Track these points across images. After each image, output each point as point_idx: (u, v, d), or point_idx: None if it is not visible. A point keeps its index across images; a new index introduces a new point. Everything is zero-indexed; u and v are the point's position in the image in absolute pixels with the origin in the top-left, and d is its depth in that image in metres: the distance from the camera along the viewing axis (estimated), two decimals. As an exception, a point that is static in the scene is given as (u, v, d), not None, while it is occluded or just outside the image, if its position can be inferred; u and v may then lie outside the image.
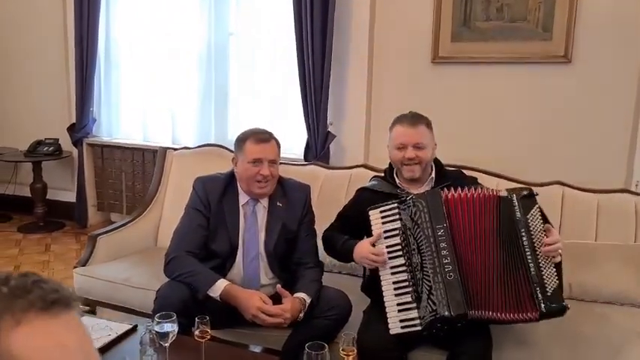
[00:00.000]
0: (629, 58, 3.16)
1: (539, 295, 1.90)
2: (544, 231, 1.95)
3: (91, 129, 4.46)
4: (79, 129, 4.41)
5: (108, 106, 4.48)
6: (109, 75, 4.43)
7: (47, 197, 4.60)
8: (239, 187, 2.22)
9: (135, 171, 4.37)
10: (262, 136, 2.16)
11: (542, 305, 1.90)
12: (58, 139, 4.53)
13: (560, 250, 1.94)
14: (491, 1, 3.38)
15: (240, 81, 4.09)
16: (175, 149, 3.28)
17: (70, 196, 4.63)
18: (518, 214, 1.96)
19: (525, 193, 2.00)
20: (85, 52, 4.25)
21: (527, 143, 3.38)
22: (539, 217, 1.97)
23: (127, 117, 4.45)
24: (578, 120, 3.29)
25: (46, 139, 4.53)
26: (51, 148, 4.50)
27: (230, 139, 4.02)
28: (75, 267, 2.76)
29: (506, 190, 2.03)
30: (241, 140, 2.17)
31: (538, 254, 1.93)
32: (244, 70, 4.07)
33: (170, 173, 3.17)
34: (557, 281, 1.93)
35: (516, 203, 1.97)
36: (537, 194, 2.02)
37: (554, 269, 1.94)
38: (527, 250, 1.93)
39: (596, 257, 2.36)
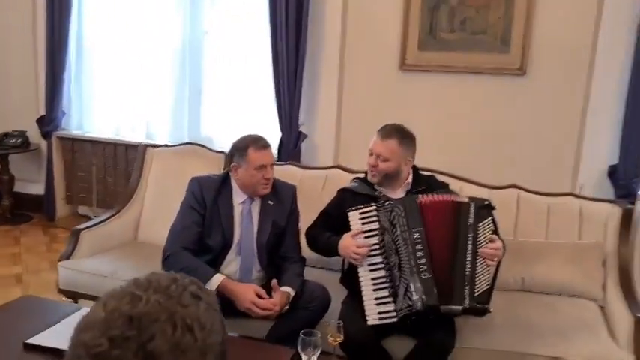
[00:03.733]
0: (577, 71, 3.48)
1: (467, 293, 2.15)
2: (490, 240, 2.20)
3: (61, 122, 4.48)
4: (49, 122, 4.42)
5: (79, 100, 4.50)
6: (80, 68, 4.45)
7: (14, 190, 4.59)
8: (233, 186, 2.39)
9: (106, 165, 4.42)
10: (262, 143, 2.34)
11: (467, 301, 2.15)
12: (25, 132, 4.51)
13: (496, 258, 2.19)
14: (455, 13, 3.64)
15: (214, 79, 4.20)
16: (155, 146, 3.38)
17: (38, 189, 4.64)
18: (470, 220, 2.21)
19: (485, 204, 2.25)
20: (57, 44, 4.25)
21: (485, 148, 3.67)
22: (490, 228, 2.23)
23: (98, 111, 4.48)
24: (531, 127, 3.60)
25: (13, 131, 4.50)
26: (18, 141, 4.49)
27: (203, 135, 4.16)
28: (60, 260, 2.85)
29: (469, 198, 2.28)
30: (242, 149, 2.33)
31: (477, 258, 2.19)
32: (218, 69, 4.18)
33: (150, 170, 3.28)
34: (488, 287, 2.19)
35: (472, 210, 2.22)
36: (495, 208, 2.27)
37: (488, 275, 2.20)
38: (469, 252, 2.18)
39: (546, 254, 2.66)
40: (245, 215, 2.39)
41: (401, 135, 2.37)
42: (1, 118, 4.58)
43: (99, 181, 4.46)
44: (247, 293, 2.19)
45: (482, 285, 2.19)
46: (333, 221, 2.42)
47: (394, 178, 2.38)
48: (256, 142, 2.34)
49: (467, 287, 2.15)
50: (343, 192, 2.49)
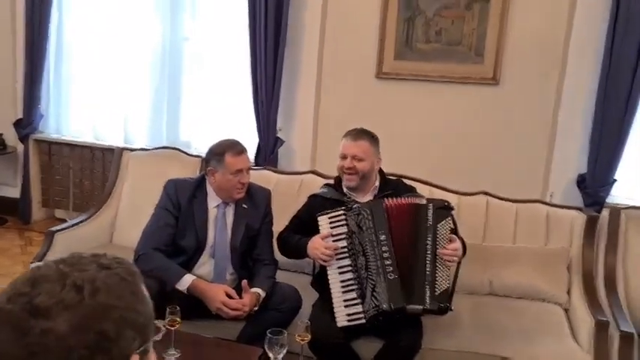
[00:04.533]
0: (548, 81, 3.57)
1: (427, 293, 2.20)
2: (449, 240, 2.26)
3: (39, 125, 4.46)
4: (26, 125, 4.40)
5: (57, 103, 4.49)
6: (59, 71, 4.44)
7: (-10, 192, 4.56)
8: (209, 190, 2.41)
9: (83, 168, 4.41)
10: (239, 148, 2.37)
11: (428, 301, 2.20)
12: (1, 134, 4.49)
13: (455, 258, 2.25)
14: (430, 24, 3.72)
15: (194, 84, 4.23)
16: (132, 150, 3.40)
17: (13, 192, 4.61)
18: (429, 222, 2.27)
19: (443, 205, 2.31)
20: (35, 47, 4.24)
21: (459, 156, 3.74)
22: (449, 228, 2.29)
23: (76, 114, 4.47)
24: (503, 136, 3.68)
25: (-11, 133, 4.48)
26: (-6, 143, 4.46)
27: (182, 139, 4.18)
28: (32, 262, 2.84)
29: (427, 199, 2.34)
30: (219, 154, 2.36)
31: (437, 258, 2.24)
32: (198, 74, 4.21)
33: (127, 173, 3.29)
34: (448, 285, 2.25)
35: (431, 211, 2.27)
36: (454, 209, 2.33)
37: (448, 276, 2.25)
38: (428, 252, 2.24)
39: (514, 258, 2.73)
40: (219, 219, 2.42)
41: (369, 135, 2.44)
42: (-23, 121, 4.55)
43: (76, 184, 4.45)
44: (217, 294, 2.21)
45: (442, 285, 2.24)
46: (303, 226, 2.46)
47: (367, 180, 2.43)
48: (233, 147, 2.37)
49: (427, 287, 2.21)
50: (313, 198, 2.53)
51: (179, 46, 4.18)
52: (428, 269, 2.22)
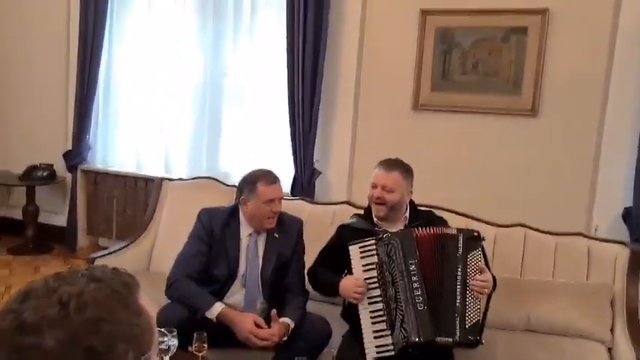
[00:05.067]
0: (589, 113, 3.49)
1: (457, 325, 2.15)
2: (479, 271, 2.20)
3: (86, 156, 4.66)
4: (75, 156, 4.60)
5: (104, 135, 4.68)
6: (106, 106, 4.65)
7: (39, 220, 4.75)
8: (241, 219, 2.45)
9: (126, 198, 4.56)
10: (271, 178, 2.42)
11: (458, 334, 2.14)
12: (52, 165, 4.70)
13: (486, 290, 2.19)
14: (467, 56, 3.72)
15: (233, 116, 4.34)
16: (170, 180, 3.49)
17: (61, 220, 4.79)
18: (459, 252, 2.22)
19: (473, 235, 2.27)
20: (86, 83, 4.47)
21: (496, 188, 3.67)
22: (480, 259, 2.24)
23: (121, 146, 4.65)
24: (543, 169, 3.60)
25: (40, 164, 4.69)
26: (45, 173, 4.67)
27: (221, 170, 4.27)
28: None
29: (457, 229, 2.30)
30: (252, 183, 2.41)
31: (467, 290, 2.19)
32: (237, 107, 4.32)
33: (165, 202, 3.38)
34: (479, 318, 2.19)
35: (461, 242, 2.23)
36: (484, 239, 2.29)
37: (479, 308, 2.19)
38: (458, 283, 2.20)
39: (552, 293, 2.62)
40: (251, 248, 2.44)
41: (402, 167, 2.43)
42: (30, 151, 4.79)
43: (119, 213, 4.59)
44: (246, 323, 2.22)
45: (472, 317, 2.18)
46: (333, 258, 2.45)
47: (396, 212, 2.42)
48: (266, 176, 2.41)
49: (457, 319, 2.15)
50: (342, 228, 2.53)
51: (219, 80, 4.32)
52: (458, 301, 2.17)
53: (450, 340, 2.13)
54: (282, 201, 3.13)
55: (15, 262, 4.47)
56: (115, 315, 0.71)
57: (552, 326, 2.59)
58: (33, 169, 4.67)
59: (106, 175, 4.62)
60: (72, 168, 4.64)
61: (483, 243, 2.26)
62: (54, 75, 4.77)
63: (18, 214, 4.78)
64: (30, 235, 4.69)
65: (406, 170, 2.44)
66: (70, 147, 4.64)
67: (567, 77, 3.51)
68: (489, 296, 2.23)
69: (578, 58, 3.48)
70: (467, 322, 2.15)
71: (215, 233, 2.41)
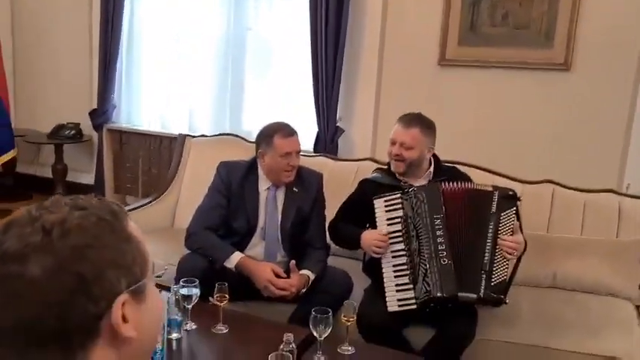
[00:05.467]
0: (624, 67, 3.34)
1: (483, 282, 2.11)
2: (511, 232, 2.15)
3: (112, 115, 4.68)
4: (100, 114, 4.63)
5: (128, 94, 4.69)
6: (130, 64, 4.64)
7: (67, 179, 4.83)
8: (260, 173, 2.44)
9: (151, 157, 4.59)
10: (288, 130, 2.39)
11: (482, 291, 2.11)
12: (79, 124, 4.75)
13: (516, 252, 2.15)
14: (497, 7, 3.57)
15: (256, 74, 4.29)
16: (193, 136, 3.49)
17: (89, 179, 4.86)
18: (493, 209, 2.17)
19: (509, 193, 2.20)
20: (109, 42, 4.45)
21: (525, 145, 3.57)
22: (513, 219, 2.18)
23: (146, 105, 4.66)
24: (575, 125, 3.48)
25: (67, 123, 4.75)
26: (72, 132, 4.72)
27: (244, 129, 4.25)
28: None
29: (492, 186, 2.24)
30: (269, 136, 2.38)
31: (497, 248, 2.14)
32: (260, 64, 4.27)
33: (188, 159, 3.39)
34: (506, 277, 2.15)
35: (495, 199, 2.18)
36: (520, 199, 2.22)
37: (507, 267, 2.15)
38: (488, 240, 2.15)
39: (580, 250, 2.57)
40: (270, 201, 2.43)
41: (423, 123, 2.37)
42: (57, 111, 4.84)
43: (144, 172, 4.63)
44: (265, 272, 2.23)
45: (499, 276, 2.15)
46: (355, 213, 2.43)
47: (417, 167, 2.37)
48: (283, 129, 2.38)
49: (483, 276, 2.12)
50: (365, 183, 2.49)
51: (242, 36, 4.25)
52: (486, 258, 2.14)
53: (474, 296, 2.11)
54: (304, 158, 3.14)
55: (45, 219, 4.56)
56: (101, 241, 0.68)
57: (579, 283, 2.54)
58: (60, 128, 4.73)
59: (131, 134, 4.64)
60: (98, 127, 4.68)
61: (518, 203, 2.20)
62: (77, 33, 4.76)
63: (48, 173, 4.87)
64: (60, 194, 4.77)
65: (427, 126, 2.37)
66: (95, 106, 4.66)
67: (603, 29, 3.35)
68: (519, 259, 2.18)
69: (615, 9, 3.31)
70: (493, 280, 2.12)
71: (233, 186, 2.40)
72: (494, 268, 2.13)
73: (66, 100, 4.88)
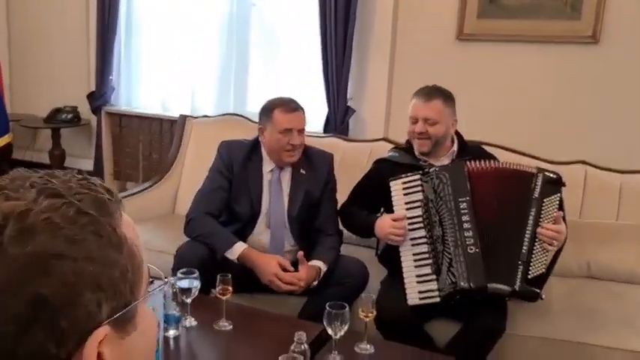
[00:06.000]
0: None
1: (519, 274, 1.89)
2: (553, 219, 1.93)
3: (110, 97, 4.47)
4: (98, 97, 4.42)
5: (127, 75, 4.48)
6: (129, 44, 4.42)
7: (65, 164, 4.63)
8: (263, 154, 2.23)
9: (152, 141, 4.38)
10: (291, 106, 2.17)
11: (518, 284, 1.89)
12: (76, 107, 4.54)
13: (556, 243, 1.92)
14: (519, -23, 3.32)
15: (261, 53, 4.07)
16: (195, 117, 3.28)
17: (88, 164, 4.66)
18: (535, 194, 1.94)
19: (553, 177, 1.98)
20: (106, 21, 4.24)
21: (551, 122, 3.34)
22: (556, 206, 1.96)
23: (146, 87, 4.45)
24: (604, 101, 3.24)
25: (65, 106, 4.55)
26: (69, 116, 4.52)
27: (249, 110, 4.02)
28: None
29: (537, 168, 2.01)
30: (269, 110, 2.17)
31: (537, 238, 1.92)
32: (266, 42, 4.05)
33: (190, 141, 3.18)
34: (544, 271, 1.93)
35: (539, 183, 1.95)
36: (565, 185, 1.99)
37: (546, 259, 1.94)
38: (528, 229, 1.93)
39: (616, 237, 2.36)
40: (274, 184, 2.22)
41: (443, 94, 2.15)
42: (54, 94, 4.64)
43: (145, 157, 4.43)
44: (270, 265, 2.02)
45: (538, 268, 1.93)
46: (369, 196, 2.21)
47: (440, 146, 2.15)
48: (285, 104, 2.17)
49: (520, 267, 1.90)
50: (380, 163, 2.27)
51: (246, 12, 4.02)
52: (525, 247, 1.91)
53: (508, 288, 1.89)
54: (313, 139, 2.93)
55: (43, 206, 4.38)
56: (79, 248, 0.46)
57: (616, 273, 2.33)
58: (57, 111, 4.52)
59: (131, 117, 4.43)
60: (96, 110, 4.47)
61: (562, 190, 1.97)
62: (74, 12, 4.55)
63: (45, 159, 4.68)
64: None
65: (447, 97, 2.15)
66: (93, 88, 4.45)
67: (635, -2, 3.10)
68: (558, 251, 1.96)
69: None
70: (530, 273, 1.90)
71: (235, 167, 2.20)
72: (533, 260, 1.91)
73: (63, 83, 4.67)
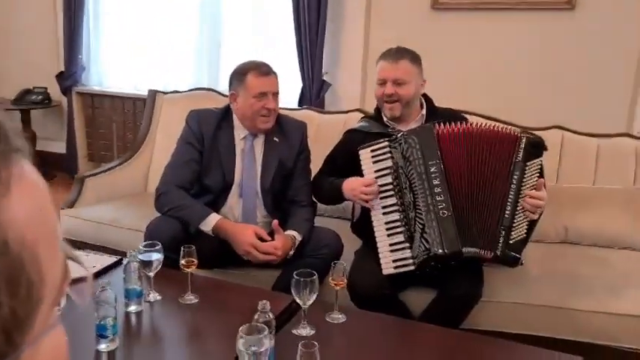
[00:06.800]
0: (633, 6, 3.05)
1: (501, 239, 1.86)
2: (535, 185, 1.89)
3: (80, 77, 4.35)
4: (68, 77, 4.29)
5: (97, 54, 4.35)
6: (97, 22, 4.29)
7: (37, 148, 4.51)
8: (235, 121, 2.15)
9: (126, 120, 4.28)
10: (264, 69, 2.09)
11: (499, 249, 1.86)
12: (46, 88, 4.41)
13: (539, 210, 1.88)
14: (494, -57, 3.25)
15: (234, 29, 3.97)
16: (165, 93, 3.18)
17: (61, 147, 4.54)
18: (519, 157, 1.89)
19: (536, 140, 1.92)
20: (73, -1, 4.11)
21: (529, 90, 3.30)
22: (537, 171, 1.91)
23: (117, 66, 4.32)
24: (580, 67, 3.20)
25: (34, 87, 4.41)
26: (39, 97, 4.38)
27: (222, 87, 3.93)
28: (62, 208, 2.70)
29: (521, 131, 1.95)
30: (242, 74, 2.09)
31: (519, 203, 1.88)
32: (238, 18, 3.94)
33: (160, 117, 3.09)
34: (524, 235, 1.89)
35: (522, 146, 1.89)
36: (547, 149, 1.94)
37: (527, 223, 1.89)
38: (511, 193, 1.87)
39: (594, 201, 2.32)
40: (247, 152, 2.14)
41: (410, 54, 2.09)
42: (23, 75, 4.50)
43: (119, 137, 4.33)
44: (246, 235, 1.95)
45: (519, 233, 1.88)
46: (341, 167, 2.14)
47: (408, 109, 2.09)
48: (258, 67, 2.09)
49: (503, 232, 1.85)
50: (350, 133, 2.21)
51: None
52: (507, 212, 1.86)
53: (491, 253, 1.85)
54: (286, 112, 2.85)
55: (14, 191, 4.26)
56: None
57: (594, 237, 2.30)
58: (26, 93, 4.39)
59: (103, 97, 4.32)
60: (66, 90, 4.35)
61: (544, 154, 1.92)
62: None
63: (15, 142, 4.55)
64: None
65: (414, 57, 2.09)
66: (62, 68, 4.32)
67: (611, -39, 3.05)
68: (539, 215, 1.92)
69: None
70: (512, 238, 1.86)
71: (206, 138, 2.11)
72: (515, 225, 1.86)
73: (31, 64, 4.53)
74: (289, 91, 3.73)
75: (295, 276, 1.53)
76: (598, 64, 3.17)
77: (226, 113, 2.17)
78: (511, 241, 1.87)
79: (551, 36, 3.23)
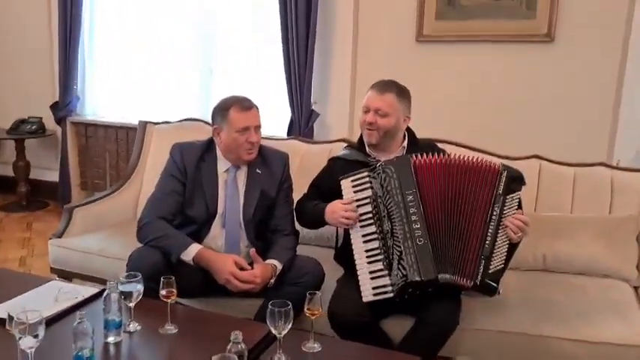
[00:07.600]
0: (611, 38, 3.15)
1: (481, 269, 1.91)
2: (514, 216, 1.95)
3: (75, 107, 4.43)
4: (62, 107, 4.38)
5: (92, 85, 4.44)
6: (92, 54, 4.39)
7: (30, 177, 4.57)
8: (218, 154, 2.21)
9: (119, 149, 4.34)
10: (246, 104, 2.15)
11: (479, 278, 1.91)
12: (41, 118, 4.50)
13: (519, 234, 1.93)
14: (475, -22, 3.36)
15: (225, 60, 4.06)
16: (155, 123, 3.25)
17: (54, 176, 4.60)
18: (499, 190, 1.95)
19: (516, 175, 1.99)
20: (69, 29, 4.21)
21: (510, 120, 3.38)
22: (517, 204, 1.98)
23: (111, 96, 4.42)
24: (560, 98, 3.29)
25: (29, 117, 4.50)
26: (34, 127, 4.46)
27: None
28: (50, 238, 2.74)
29: (502, 165, 2.01)
30: (224, 110, 2.15)
31: (499, 234, 1.93)
32: (229, 49, 4.04)
33: (150, 147, 3.15)
34: (502, 265, 1.95)
35: (504, 180, 1.96)
36: (525, 184, 2.01)
37: (505, 254, 1.95)
38: (491, 225, 1.93)
39: (571, 229, 2.36)
40: (230, 184, 2.20)
41: (398, 88, 2.16)
42: (18, 105, 4.59)
43: (112, 166, 4.39)
44: (226, 264, 1.99)
45: (498, 262, 1.93)
46: (323, 193, 2.20)
47: (390, 140, 2.15)
48: (239, 102, 2.15)
49: (483, 262, 1.90)
50: (333, 161, 2.28)
51: (208, 19, 4.02)
52: (487, 242, 1.92)
53: (470, 282, 1.90)
54: (274, 142, 2.91)
55: (7, 218, 4.31)
56: None
57: (571, 264, 2.34)
58: (21, 122, 4.48)
59: (97, 126, 4.40)
60: (61, 120, 4.43)
61: (523, 188, 1.99)
62: (36, 21, 4.51)
63: (9, 171, 4.61)
64: (22, 192, 4.53)
65: (402, 91, 2.17)
66: (57, 98, 4.40)
67: (588, -3, 3.15)
68: (516, 245, 1.97)
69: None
70: (491, 267, 1.91)
71: (189, 169, 2.17)
72: (494, 255, 1.91)
73: (27, 94, 4.63)
74: (279, 121, 3.80)
75: (270, 306, 1.57)
76: (577, 95, 3.25)
77: (209, 146, 2.23)
78: (490, 271, 1.92)
79: (532, 67, 3.32)
